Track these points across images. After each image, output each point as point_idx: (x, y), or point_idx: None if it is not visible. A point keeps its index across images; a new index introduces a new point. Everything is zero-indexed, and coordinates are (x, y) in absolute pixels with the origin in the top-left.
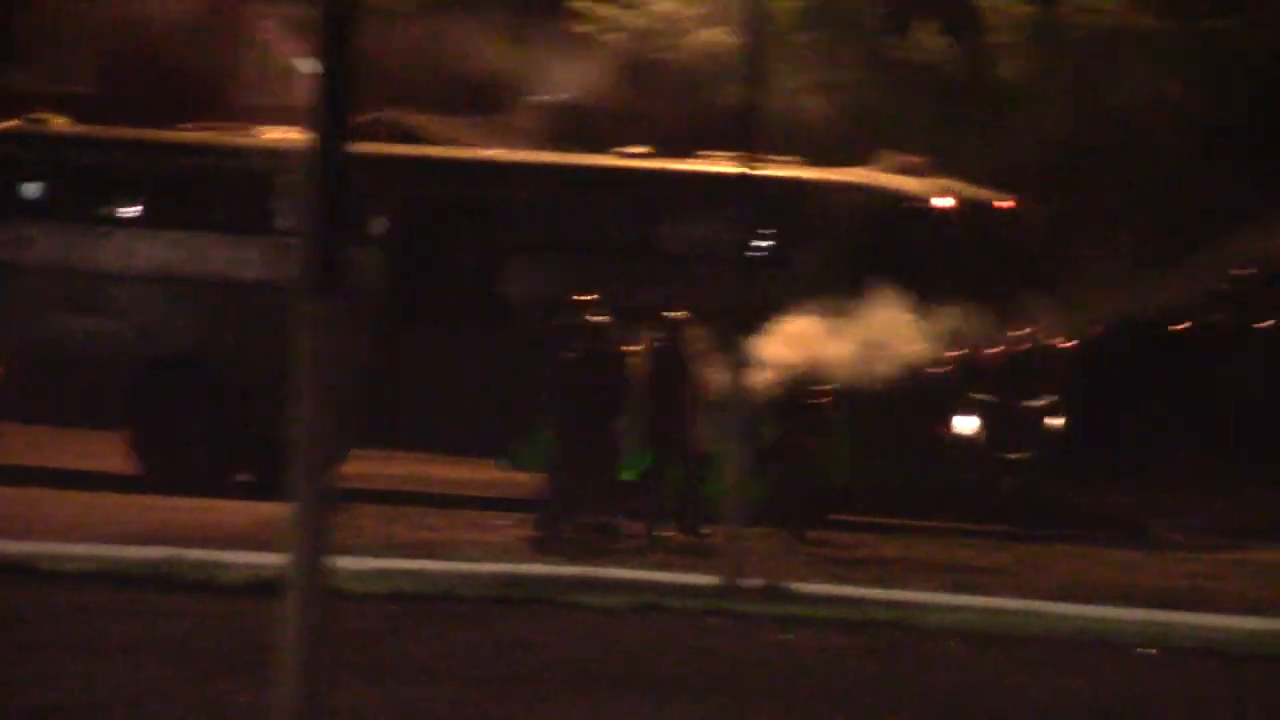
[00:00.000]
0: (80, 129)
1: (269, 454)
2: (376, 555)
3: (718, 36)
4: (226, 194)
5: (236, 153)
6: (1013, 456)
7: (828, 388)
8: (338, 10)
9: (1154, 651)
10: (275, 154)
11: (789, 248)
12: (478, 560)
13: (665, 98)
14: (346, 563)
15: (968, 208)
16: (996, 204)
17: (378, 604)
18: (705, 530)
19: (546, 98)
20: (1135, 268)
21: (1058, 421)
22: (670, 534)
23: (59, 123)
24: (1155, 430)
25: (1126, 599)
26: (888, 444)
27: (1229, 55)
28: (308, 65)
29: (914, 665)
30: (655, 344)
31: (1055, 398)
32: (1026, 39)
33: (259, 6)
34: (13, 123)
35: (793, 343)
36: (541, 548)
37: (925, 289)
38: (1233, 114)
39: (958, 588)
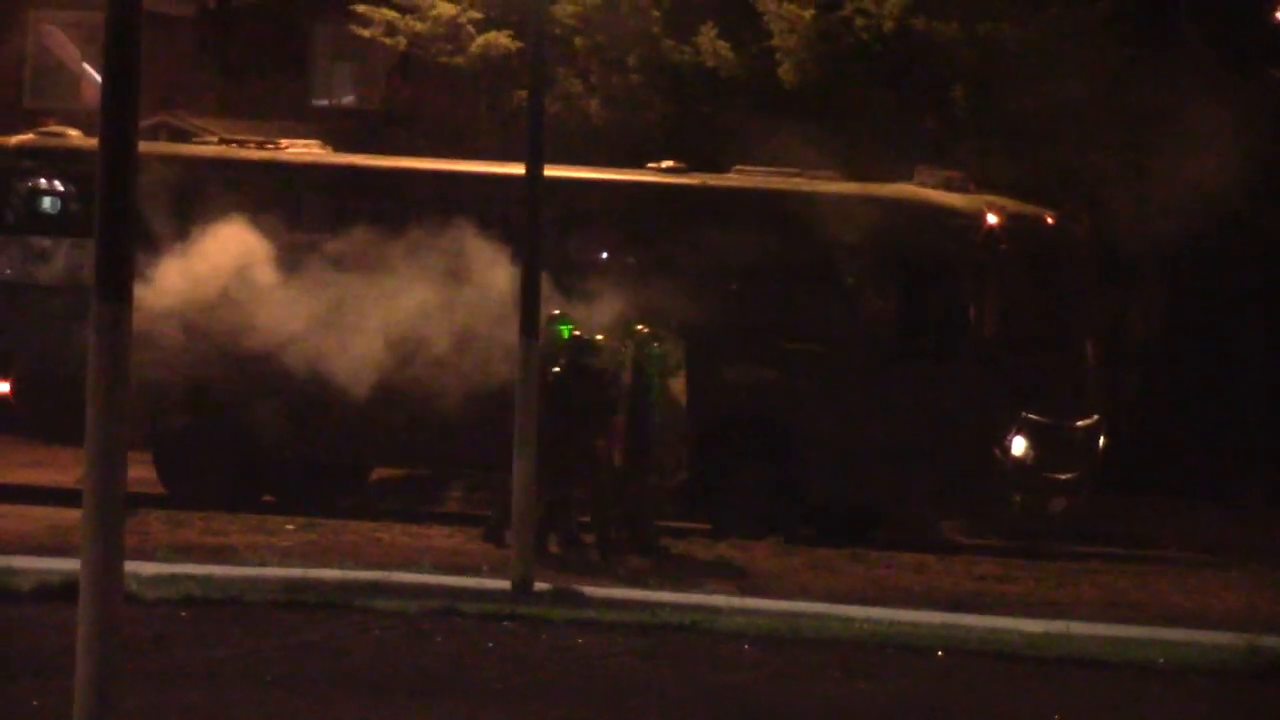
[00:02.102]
0: None
1: None
2: (166, 560)
3: (499, 40)
4: None
5: None
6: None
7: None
8: (123, 15)
9: (941, 654)
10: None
11: (835, 264)
12: (268, 564)
13: (448, 101)
14: (136, 567)
15: (1014, 221)
16: (1043, 217)
17: (168, 608)
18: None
19: (330, 101)
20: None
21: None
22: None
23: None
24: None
25: (919, 602)
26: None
27: (1008, 57)
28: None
29: (706, 668)
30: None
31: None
32: (808, 43)
33: (42, 11)
34: None
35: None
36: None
37: (975, 304)
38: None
39: (751, 591)
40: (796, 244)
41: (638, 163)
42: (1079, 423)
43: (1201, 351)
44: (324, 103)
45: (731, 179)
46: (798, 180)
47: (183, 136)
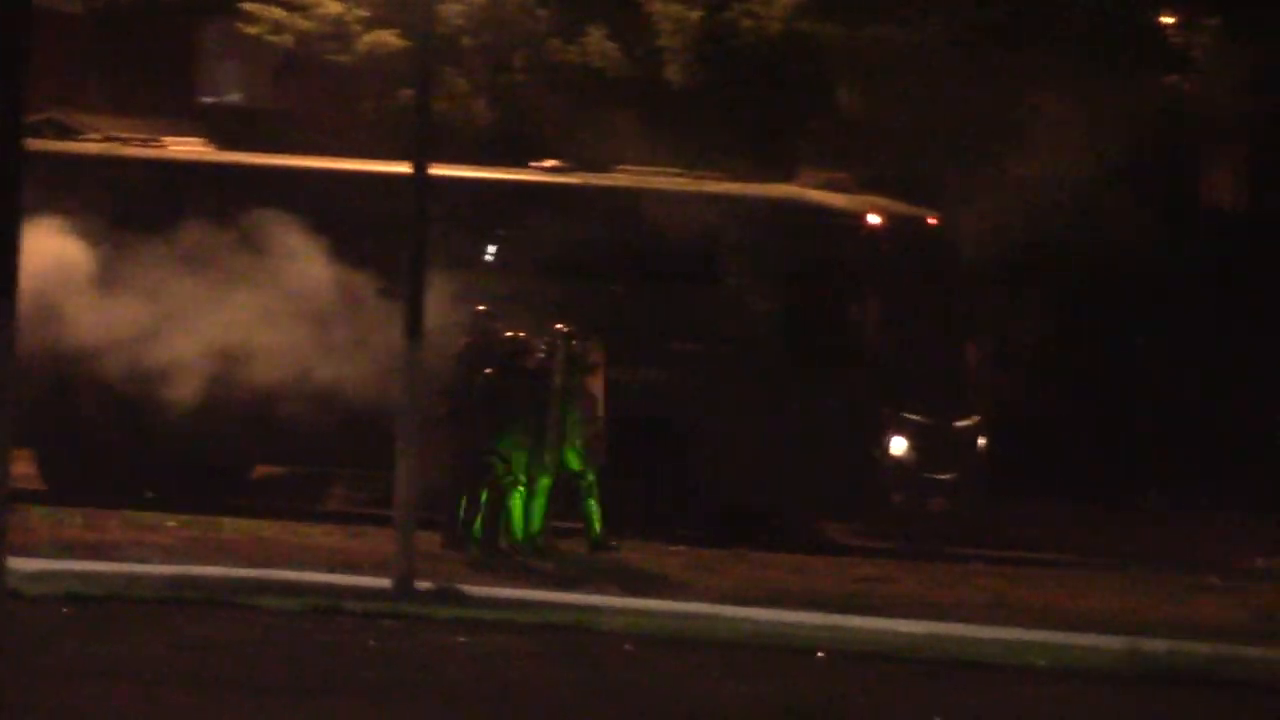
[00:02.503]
0: None
1: None
2: (48, 556)
3: (386, 39)
4: None
5: None
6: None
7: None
8: (11, 11)
9: (822, 655)
10: None
11: (717, 263)
12: (151, 561)
13: (335, 100)
14: (18, 564)
15: (896, 223)
16: (925, 219)
17: (50, 605)
18: (613, 542)
19: (216, 99)
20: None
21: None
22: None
23: None
24: None
25: (801, 602)
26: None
27: (893, 59)
28: None
29: (588, 668)
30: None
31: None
32: (694, 43)
33: None
34: None
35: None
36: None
37: (856, 305)
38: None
39: (635, 591)
40: (680, 244)
41: (524, 162)
42: (958, 423)
43: (1092, 354)
44: (211, 100)
45: (615, 178)
46: (681, 180)
47: (70, 134)
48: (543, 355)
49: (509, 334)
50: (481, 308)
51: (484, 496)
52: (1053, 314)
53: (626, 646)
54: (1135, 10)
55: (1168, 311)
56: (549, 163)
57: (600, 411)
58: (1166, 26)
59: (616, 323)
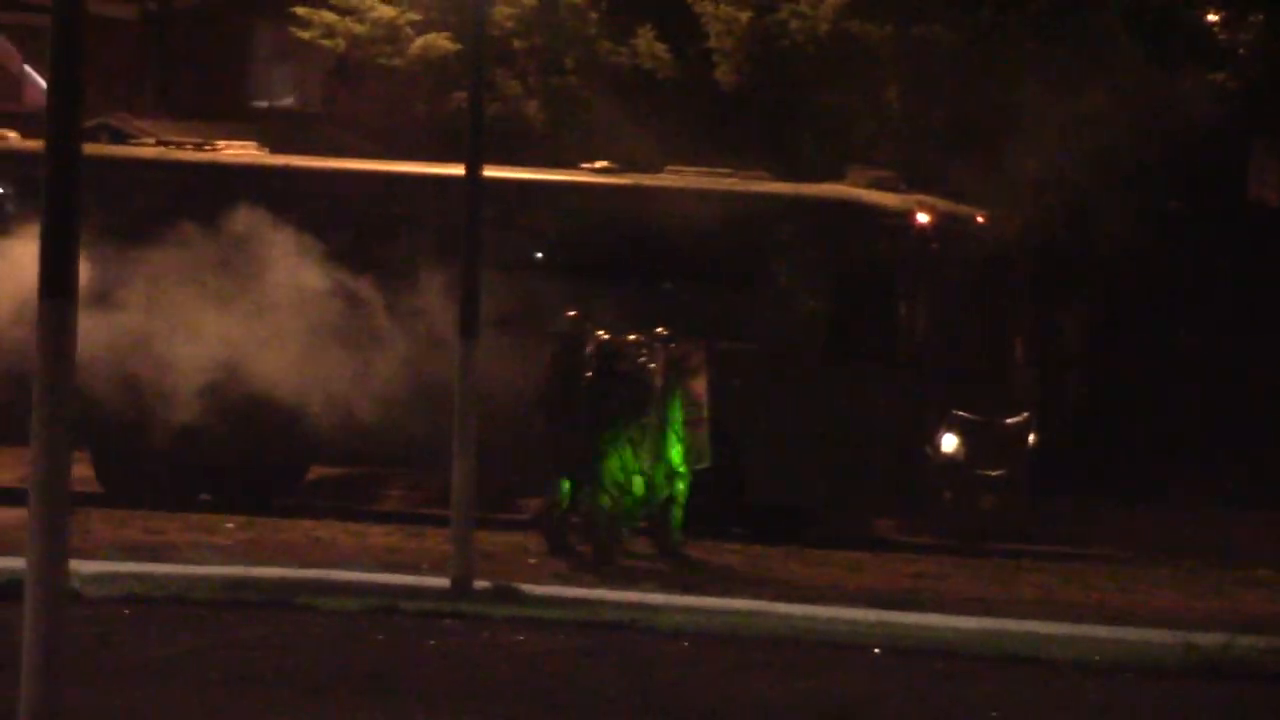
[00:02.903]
0: None
1: None
2: (108, 558)
3: (438, 42)
4: None
5: None
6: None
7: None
8: (68, 17)
9: (877, 652)
10: None
11: (768, 264)
12: (209, 563)
13: (388, 103)
14: (78, 565)
15: (945, 221)
16: (974, 217)
17: (110, 607)
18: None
19: (270, 103)
20: None
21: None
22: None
23: None
24: None
25: (855, 599)
26: None
27: (941, 58)
28: (34, 72)
29: (644, 666)
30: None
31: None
32: (744, 44)
33: None
34: None
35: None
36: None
37: (906, 303)
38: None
39: (689, 589)
40: (730, 244)
41: (575, 164)
42: (1009, 420)
43: (1137, 354)
44: (264, 104)
45: (664, 179)
46: (730, 180)
47: (123, 139)
48: (642, 359)
49: (604, 337)
50: (572, 312)
51: (602, 498)
52: (1099, 312)
53: (683, 644)
54: (1180, 7)
55: (1214, 308)
56: (599, 164)
57: (705, 414)
58: (1212, 24)
59: (669, 323)
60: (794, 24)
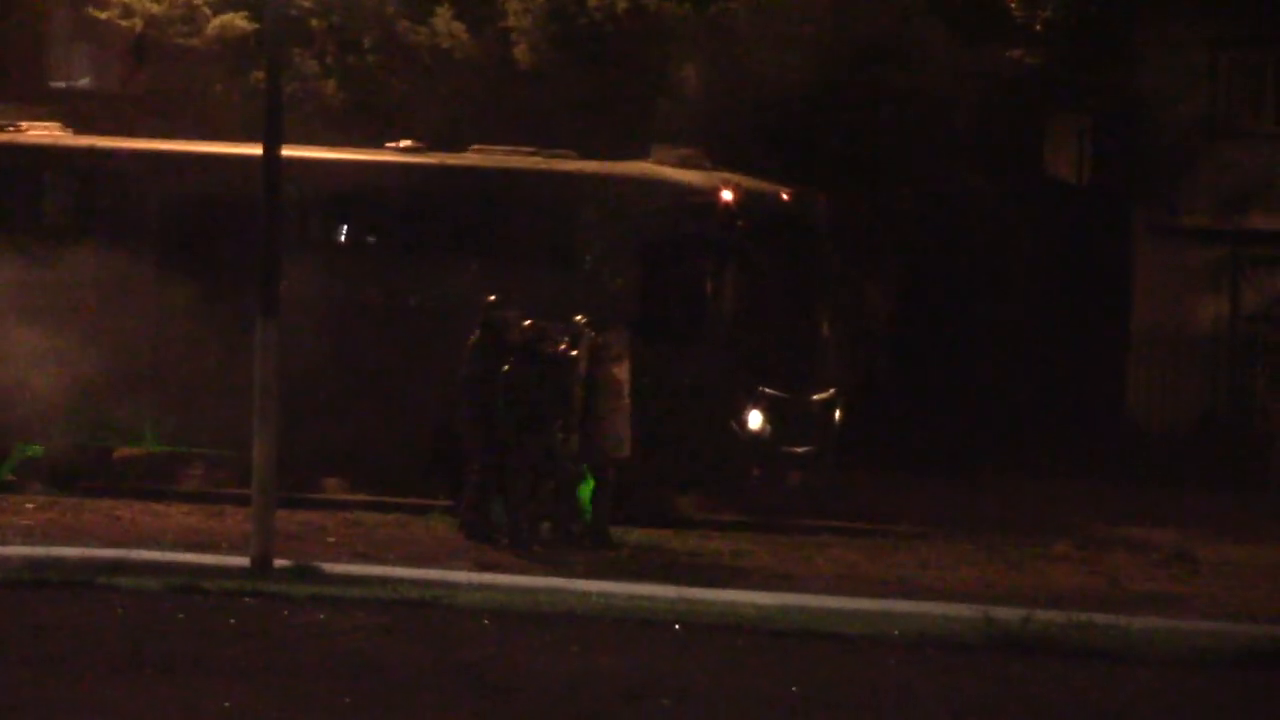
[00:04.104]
0: None
1: None
2: None
3: (235, 22)
4: None
5: None
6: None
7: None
8: None
9: (678, 628)
10: None
11: (574, 243)
12: (10, 543)
13: (186, 83)
14: None
15: (750, 198)
16: (779, 194)
17: None
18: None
19: (68, 83)
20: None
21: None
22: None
23: None
24: None
25: (655, 576)
26: None
27: (739, 37)
28: None
29: (444, 643)
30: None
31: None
32: (542, 23)
33: None
34: None
35: None
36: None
37: (712, 281)
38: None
39: (487, 567)
40: (539, 223)
41: (374, 143)
42: (815, 397)
43: (937, 329)
44: (61, 84)
45: (469, 158)
46: (535, 159)
47: None
48: (563, 345)
49: (526, 323)
50: (491, 298)
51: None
52: (901, 286)
53: (484, 621)
54: None
55: (1013, 285)
56: (404, 143)
57: (626, 399)
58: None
59: (471, 302)
60: (591, 2)
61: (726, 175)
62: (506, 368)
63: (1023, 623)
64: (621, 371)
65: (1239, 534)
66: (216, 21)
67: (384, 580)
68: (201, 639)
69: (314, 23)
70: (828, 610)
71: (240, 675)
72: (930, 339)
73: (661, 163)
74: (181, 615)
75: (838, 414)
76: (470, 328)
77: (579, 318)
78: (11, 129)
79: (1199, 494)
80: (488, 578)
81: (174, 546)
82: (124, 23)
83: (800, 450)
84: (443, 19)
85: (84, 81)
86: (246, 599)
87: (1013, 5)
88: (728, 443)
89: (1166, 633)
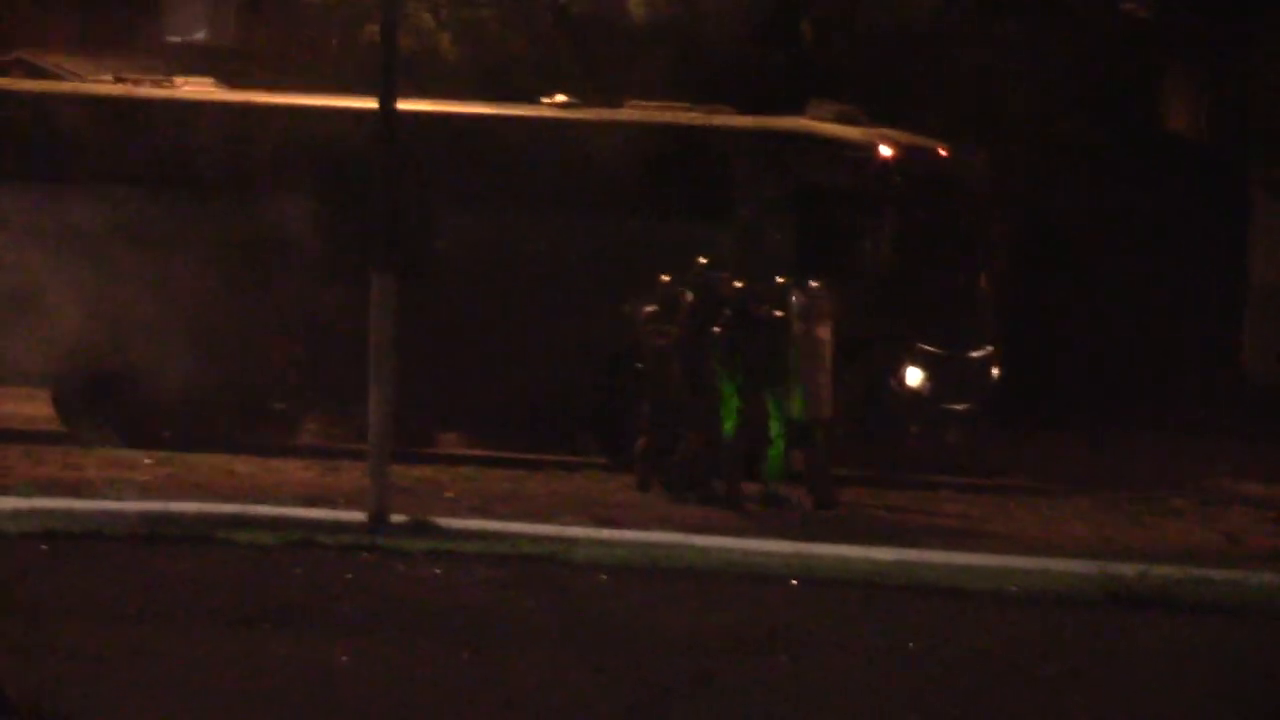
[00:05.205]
0: None
1: None
2: (25, 495)
3: None
4: None
5: None
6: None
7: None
8: None
9: (794, 583)
10: None
11: (733, 198)
12: (127, 499)
13: (303, 38)
14: None
15: (909, 154)
16: (938, 150)
17: (29, 543)
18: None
19: (183, 38)
20: None
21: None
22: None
23: None
24: None
25: (771, 531)
26: None
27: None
28: None
29: (563, 598)
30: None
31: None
32: None
33: None
34: None
35: None
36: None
37: (870, 236)
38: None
39: (604, 522)
40: (696, 179)
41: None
42: (973, 354)
43: (1054, 284)
44: (177, 39)
45: (627, 114)
46: (694, 114)
47: (40, 74)
48: (771, 305)
49: (737, 284)
50: (703, 260)
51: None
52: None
53: (601, 576)
54: None
55: (1130, 238)
56: (559, 98)
57: (829, 363)
58: None
59: (633, 259)
60: None
61: (884, 130)
62: (717, 329)
63: (1140, 578)
64: (825, 332)
65: None
66: None
67: (501, 535)
68: (318, 594)
69: None
70: (944, 565)
71: (357, 630)
72: (1047, 294)
73: (818, 118)
74: (298, 570)
75: (995, 371)
76: (632, 286)
77: (784, 278)
78: (167, 84)
79: None
80: (606, 533)
81: (291, 501)
82: None
83: (959, 408)
84: None
85: (200, 36)
86: (363, 554)
87: None
88: (887, 400)
89: None
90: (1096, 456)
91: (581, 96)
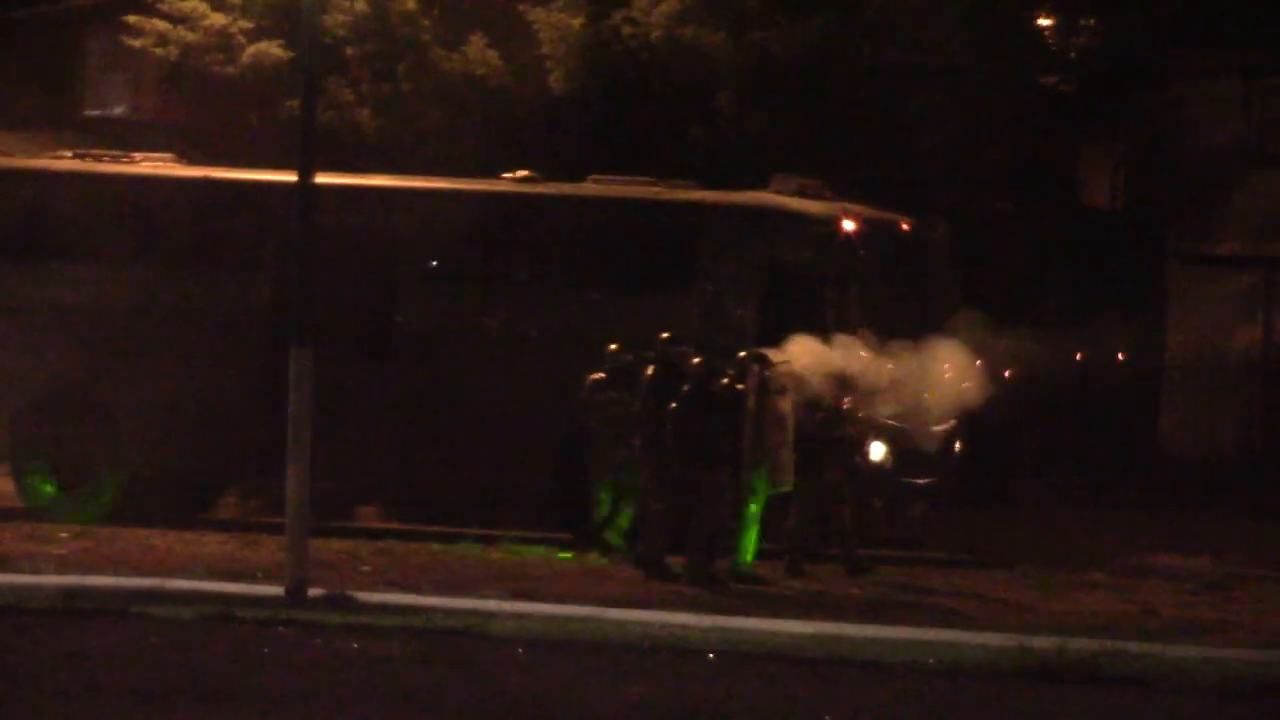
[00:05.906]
0: None
1: None
2: None
3: (271, 50)
4: None
5: None
6: None
7: None
8: None
9: (712, 656)
10: None
11: (695, 272)
12: (44, 572)
13: (220, 111)
14: None
15: (872, 229)
16: (900, 224)
17: None
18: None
19: (103, 112)
20: None
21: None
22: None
23: None
24: None
25: (688, 605)
26: None
27: (775, 64)
28: None
29: (479, 672)
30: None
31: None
32: (577, 51)
33: None
34: None
35: None
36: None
37: (834, 310)
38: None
39: (521, 595)
40: (657, 253)
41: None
42: (936, 428)
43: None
44: (96, 113)
45: (588, 189)
46: (657, 189)
47: None
48: (728, 380)
49: (696, 360)
50: (665, 335)
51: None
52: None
53: (518, 650)
54: (1015, 10)
55: (1047, 309)
56: (520, 173)
57: (789, 435)
58: (1045, 28)
59: (596, 334)
60: (626, 30)
61: (847, 205)
62: (674, 405)
63: (1058, 651)
64: (785, 404)
65: (1276, 562)
66: (251, 50)
67: (417, 609)
68: (236, 668)
69: (348, 51)
70: (862, 638)
71: (275, 705)
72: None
73: (780, 192)
74: (217, 644)
75: (958, 445)
76: (592, 360)
77: (745, 353)
78: (125, 160)
79: (1235, 522)
80: (522, 606)
81: (208, 575)
82: (159, 51)
83: (922, 482)
84: (476, 47)
85: (119, 110)
86: (281, 628)
87: (1047, 33)
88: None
89: (1201, 661)
90: (1014, 529)
91: (541, 172)
